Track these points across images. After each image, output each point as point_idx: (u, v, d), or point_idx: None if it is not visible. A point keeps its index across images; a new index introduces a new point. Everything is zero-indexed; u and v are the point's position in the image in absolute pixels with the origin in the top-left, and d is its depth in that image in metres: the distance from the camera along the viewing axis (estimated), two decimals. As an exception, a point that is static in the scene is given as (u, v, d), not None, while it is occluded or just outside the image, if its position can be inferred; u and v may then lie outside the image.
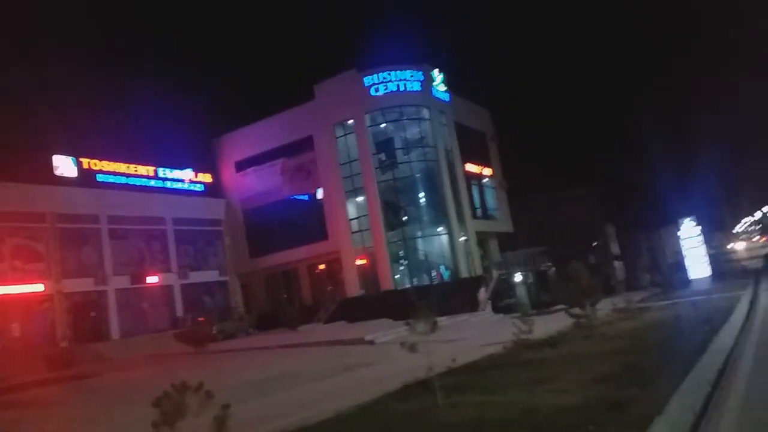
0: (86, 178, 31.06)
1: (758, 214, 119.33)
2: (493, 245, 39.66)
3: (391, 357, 12.74)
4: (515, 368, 9.02)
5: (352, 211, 34.56)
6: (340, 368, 12.83)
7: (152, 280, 32.65)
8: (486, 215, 39.08)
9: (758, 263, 44.02)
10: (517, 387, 7.41)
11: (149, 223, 33.55)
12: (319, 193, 35.11)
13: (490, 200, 40.20)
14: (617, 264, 30.17)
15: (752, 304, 16.07)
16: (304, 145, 35.51)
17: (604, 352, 9.16)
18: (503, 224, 40.32)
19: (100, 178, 31.94)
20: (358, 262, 33.82)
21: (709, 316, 12.40)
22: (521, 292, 23.96)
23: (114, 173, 32.79)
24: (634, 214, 37.75)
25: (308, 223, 35.14)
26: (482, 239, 37.84)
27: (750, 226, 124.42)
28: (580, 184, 41.21)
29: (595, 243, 31.82)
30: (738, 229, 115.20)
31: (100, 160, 32.15)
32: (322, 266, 36.05)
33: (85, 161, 31.30)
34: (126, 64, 49.38)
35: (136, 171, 33.95)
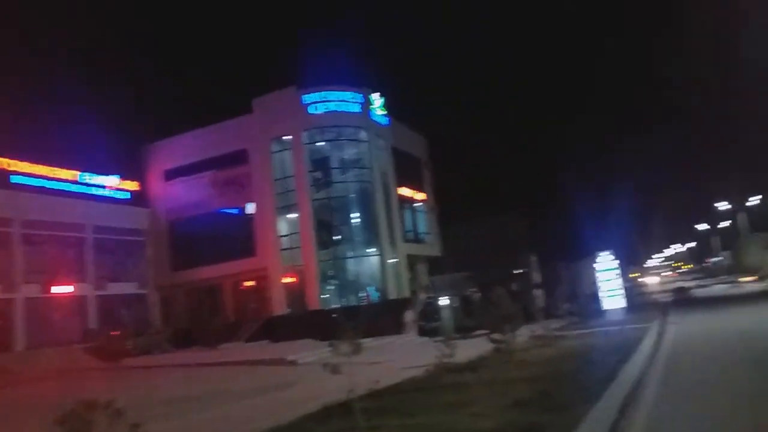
0: (-1, 178, 29.28)
1: (668, 251, 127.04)
2: (422, 269, 40.20)
3: (313, 378, 12.57)
4: (437, 391, 9.12)
5: (283, 227, 34.21)
6: (260, 389, 12.55)
7: (66, 289, 30.93)
8: (417, 239, 39.64)
9: (668, 297, 46.75)
10: (438, 410, 7.50)
11: (67, 229, 31.89)
12: (250, 208, 34.53)
13: (422, 224, 40.84)
14: (538, 292, 31.22)
15: (660, 335, 17.01)
16: (238, 158, 34.96)
17: (522, 378, 9.42)
18: (433, 248, 41.00)
19: (15, 179, 30.15)
20: (286, 280, 33.40)
21: (620, 345, 13.01)
22: (446, 316, 24.31)
23: (31, 175, 31.05)
24: (556, 245, 39.35)
25: (236, 238, 34.47)
26: (412, 262, 38.30)
27: (662, 261, 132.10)
28: (508, 214, 42.61)
29: (519, 271, 32.82)
30: (650, 263, 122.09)
31: (17, 160, 30.36)
32: (248, 283, 35.35)
33: (-1, 161, 29.52)
34: (54, 63, 47.11)
35: (56, 174, 32.27)
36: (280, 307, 32.65)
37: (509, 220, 41.67)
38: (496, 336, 13.28)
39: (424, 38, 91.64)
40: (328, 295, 33.25)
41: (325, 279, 33.32)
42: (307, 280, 32.62)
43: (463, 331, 21.86)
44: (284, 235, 34.01)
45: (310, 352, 18.97)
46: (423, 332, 25.11)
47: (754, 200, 71.94)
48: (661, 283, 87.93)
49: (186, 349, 29.55)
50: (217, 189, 35.37)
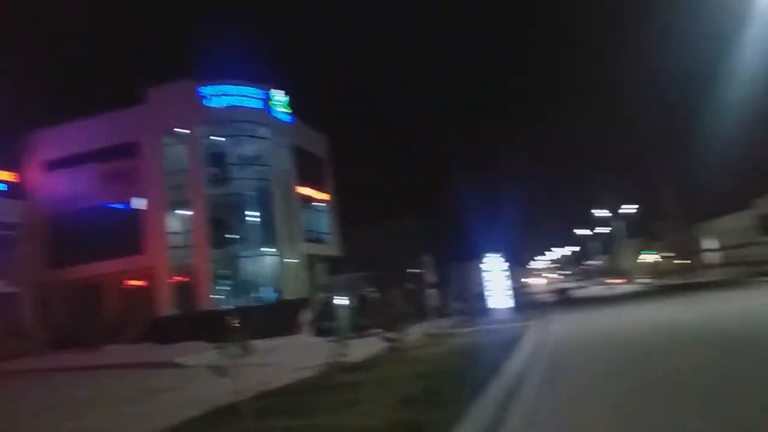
0: None
1: (553, 255, 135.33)
2: (321, 268, 40.09)
3: (200, 381, 12.16)
4: (327, 391, 9.14)
5: (174, 224, 32.77)
6: (143, 392, 11.96)
7: None
8: (317, 239, 39.45)
9: (550, 297, 49.82)
10: (326, 410, 7.51)
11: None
12: (137, 203, 32.73)
13: (322, 224, 40.70)
14: (432, 292, 32.18)
15: (541, 332, 18.10)
16: (128, 150, 33.06)
17: (411, 376, 9.65)
18: (333, 248, 40.98)
19: None
20: (176, 279, 32.03)
21: (506, 342, 13.71)
22: (343, 316, 24.38)
23: None
24: (450, 246, 40.77)
25: (123, 234, 32.54)
26: (311, 262, 38.07)
27: (547, 263, 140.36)
28: (405, 216, 43.53)
29: (414, 271, 33.66)
30: (535, 265, 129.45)
31: None
32: (134, 282, 33.49)
33: None
34: None
35: None
36: (168, 307, 31.25)
37: (406, 221, 42.61)
38: (389, 335, 13.56)
39: (330, 41, 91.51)
40: (221, 296, 32.28)
41: (218, 279, 32.32)
42: (198, 279, 31.46)
43: (360, 330, 22.02)
44: (175, 233, 32.59)
45: (198, 355, 18.28)
46: (319, 332, 25.04)
47: (629, 209, 78.19)
48: (546, 284, 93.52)
49: (65, 351, 27.47)
50: (104, 182, 33.24)
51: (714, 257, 75.82)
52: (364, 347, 14.71)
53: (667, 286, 49.46)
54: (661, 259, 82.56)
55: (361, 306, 25.50)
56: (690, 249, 74.49)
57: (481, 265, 29.12)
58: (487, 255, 28.50)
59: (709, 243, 79.31)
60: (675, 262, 76.61)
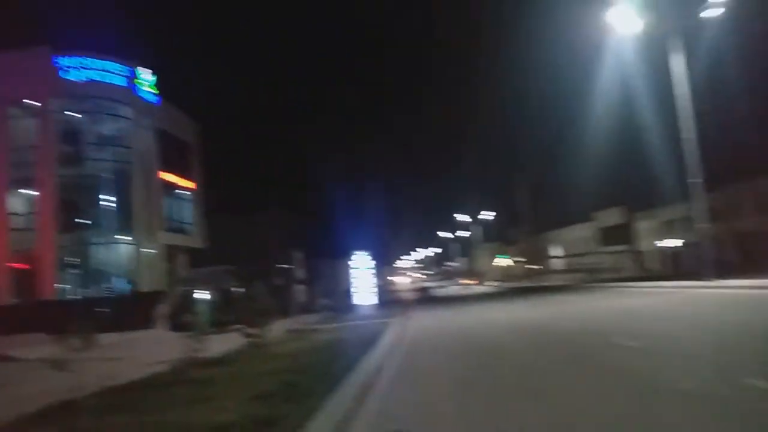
0: None
1: (418, 255, 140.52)
2: (183, 260, 38.33)
3: (38, 376, 11.15)
4: (179, 387, 8.81)
5: (17, 205, 29.69)
6: (-32, 389, 10.71)
7: None
8: (179, 229, 37.63)
9: (413, 295, 51.72)
10: (177, 406, 7.24)
11: None
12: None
13: (186, 214, 38.90)
14: (300, 288, 32.08)
15: (401, 328, 18.78)
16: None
17: (270, 371, 9.59)
18: (196, 240, 39.33)
19: None
20: (15, 265, 29.05)
21: (367, 337, 14.05)
22: (203, 310, 23.53)
23: None
24: (320, 243, 40.86)
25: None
26: (172, 253, 36.26)
27: (412, 263, 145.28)
28: (276, 210, 42.93)
29: (284, 266, 33.36)
30: (400, 264, 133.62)
31: None
32: (-36, 267, 29.90)
33: None
34: None
35: None
36: (6, 296, 28.22)
37: (276, 216, 41.99)
38: (251, 330, 13.33)
39: (209, 29, 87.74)
40: (68, 285, 29.73)
41: (65, 267, 29.73)
42: (42, 266, 28.72)
43: (221, 325, 21.48)
44: (17, 214, 29.48)
45: (37, 348, 16.72)
46: (176, 327, 23.94)
47: (488, 215, 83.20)
48: (410, 283, 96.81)
49: None
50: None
51: (559, 263, 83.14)
52: (223, 343, 14.37)
53: (516, 288, 53.42)
54: (513, 263, 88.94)
55: (223, 300, 24.79)
56: (539, 255, 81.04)
57: (349, 263, 29.55)
58: (355, 253, 29.01)
59: (555, 250, 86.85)
60: (525, 266, 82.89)
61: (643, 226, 63.15)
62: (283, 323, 17.17)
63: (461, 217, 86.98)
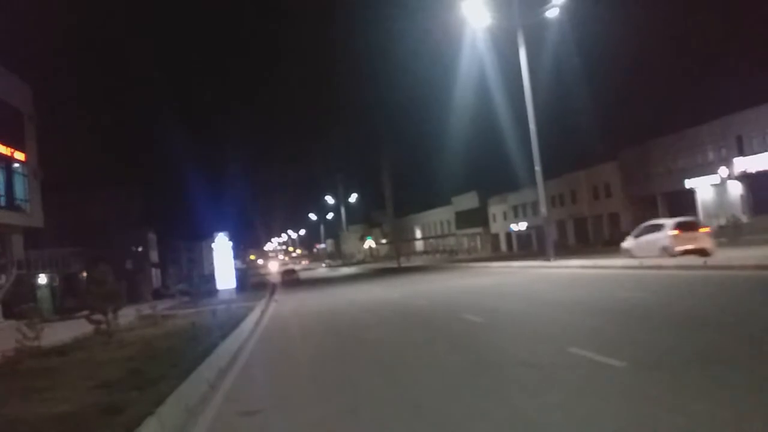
0: None
1: (287, 237, 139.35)
2: (17, 241, 34.58)
3: None
4: (13, 378, 8.16)
5: None
6: None
7: None
8: (11, 206, 33.81)
9: (279, 278, 51.28)
10: (11, 399, 6.69)
11: None
12: None
13: (19, 189, 34.99)
14: (155, 271, 30.49)
15: (263, 312, 18.63)
16: None
17: (117, 358, 9.13)
18: (33, 218, 35.56)
19: None
20: None
21: (225, 322, 13.75)
22: (44, 296, 21.68)
23: None
24: (178, 225, 39.02)
25: None
26: (3, 233, 32.57)
27: (280, 245, 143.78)
28: (127, 188, 40.10)
29: (137, 249, 31.47)
30: (269, 247, 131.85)
31: None
32: None
33: None
34: None
35: None
36: None
37: (128, 197, 39.22)
38: (96, 317, 12.52)
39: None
40: None
41: None
42: None
43: (65, 312, 19.99)
44: None
45: None
46: (11, 315, 21.81)
47: (354, 198, 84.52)
48: (278, 265, 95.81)
49: None
50: None
51: (421, 245, 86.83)
52: (67, 330, 13.54)
53: (380, 269, 55.02)
54: (377, 245, 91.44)
55: (67, 285, 23.04)
56: (403, 237, 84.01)
57: (211, 245, 28.57)
58: (218, 235, 28.09)
59: (418, 232, 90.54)
60: (389, 248, 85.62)
61: (495, 209, 67.86)
62: (135, 309, 16.29)
63: (330, 200, 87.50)
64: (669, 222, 20.96)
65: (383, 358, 8.41)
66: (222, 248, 26.07)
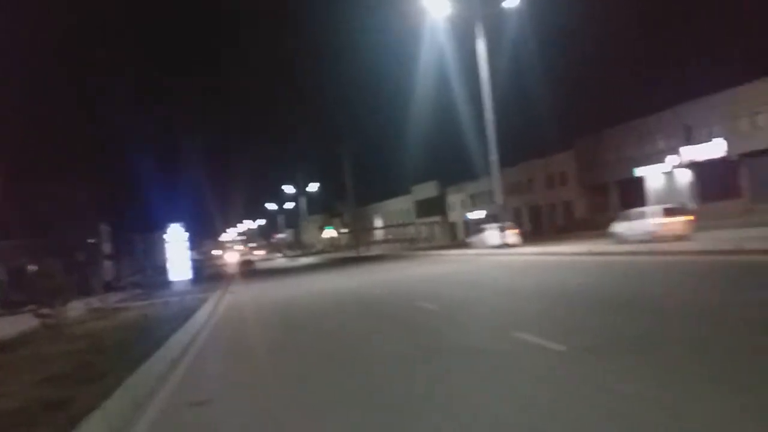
0: None
1: (245, 227, 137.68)
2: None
3: None
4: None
5: None
6: None
7: None
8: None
9: (236, 268, 50.71)
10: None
11: None
12: None
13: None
14: (108, 264, 29.76)
15: (217, 303, 18.46)
16: None
17: (65, 353, 8.96)
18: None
19: None
20: None
21: (178, 314, 13.60)
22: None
23: None
24: (132, 216, 38.07)
25: None
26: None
27: (237, 236, 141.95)
28: (79, 178, 38.82)
29: (88, 241, 30.63)
30: (226, 237, 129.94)
31: None
32: None
33: None
34: None
35: None
36: None
37: (79, 186, 37.90)
38: (45, 310, 12.23)
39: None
40: None
41: None
42: None
43: (11, 306, 19.44)
44: None
45: None
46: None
47: (313, 187, 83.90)
48: (235, 256, 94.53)
49: None
50: None
51: (381, 234, 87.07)
52: (14, 324, 13.28)
53: (340, 258, 54.97)
54: (337, 235, 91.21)
55: (15, 279, 22.32)
56: (363, 226, 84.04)
57: (164, 237, 28.03)
58: (172, 225, 27.57)
59: (378, 221, 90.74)
60: (349, 237, 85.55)
61: (453, 199, 68.55)
62: (84, 302, 15.94)
63: (288, 189, 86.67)
64: (657, 208, 22.13)
65: (338, 348, 8.49)
66: (176, 239, 25.59)
